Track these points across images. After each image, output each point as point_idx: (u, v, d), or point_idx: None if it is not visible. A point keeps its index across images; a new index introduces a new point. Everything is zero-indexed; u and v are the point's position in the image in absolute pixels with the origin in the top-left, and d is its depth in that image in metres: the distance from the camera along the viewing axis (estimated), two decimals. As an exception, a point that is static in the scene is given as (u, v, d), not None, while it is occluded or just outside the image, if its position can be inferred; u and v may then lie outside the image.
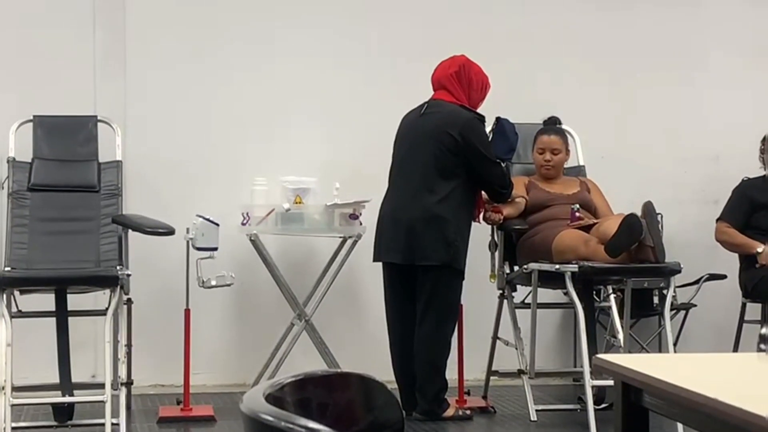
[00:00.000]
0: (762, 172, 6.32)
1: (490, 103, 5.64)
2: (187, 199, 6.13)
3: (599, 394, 5.49)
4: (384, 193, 5.61)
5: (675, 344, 5.83)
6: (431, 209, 5.39)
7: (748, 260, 6.16)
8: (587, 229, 5.54)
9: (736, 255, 6.25)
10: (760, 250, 6.04)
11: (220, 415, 5.51)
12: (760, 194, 6.21)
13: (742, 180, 6.33)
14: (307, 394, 2.06)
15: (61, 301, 5.21)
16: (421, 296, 5.46)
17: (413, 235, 5.40)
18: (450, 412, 5.50)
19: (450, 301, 5.49)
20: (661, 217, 6.12)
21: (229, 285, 5.56)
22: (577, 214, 5.63)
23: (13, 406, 4.91)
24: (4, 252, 5.47)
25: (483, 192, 5.64)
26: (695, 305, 6.50)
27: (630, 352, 5.55)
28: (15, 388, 4.97)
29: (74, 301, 5.36)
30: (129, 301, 5.44)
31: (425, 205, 5.40)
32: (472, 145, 5.41)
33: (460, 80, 5.51)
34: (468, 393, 5.85)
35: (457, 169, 5.43)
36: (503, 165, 5.63)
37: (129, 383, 5.45)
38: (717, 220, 6.26)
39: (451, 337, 5.53)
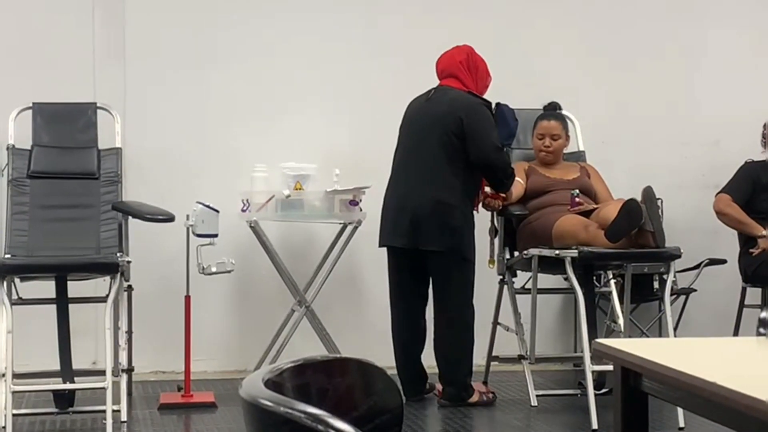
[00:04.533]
0: (763, 157, 6.31)
1: (491, 88, 5.63)
2: (187, 185, 6.13)
3: (599, 379, 5.50)
4: (387, 179, 5.60)
5: (675, 329, 5.84)
6: (437, 195, 5.38)
7: (747, 245, 6.15)
8: (587, 214, 5.54)
9: (737, 240, 6.25)
10: (765, 233, 6.02)
11: (221, 402, 5.52)
12: (766, 176, 6.19)
13: (746, 162, 6.32)
14: (306, 379, 2.06)
15: (61, 288, 5.20)
16: (435, 283, 5.48)
17: (419, 221, 5.39)
18: (475, 398, 5.51)
19: (463, 286, 5.47)
20: (661, 202, 6.13)
21: (229, 272, 5.56)
22: (577, 199, 5.62)
23: (14, 393, 4.90)
24: (4, 239, 5.46)
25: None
26: (695, 290, 6.51)
27: (630, 337, 5.55)
28: (16, 375, 4.96)
29: (75, 288, 5.36)
30: (129, 288, 5.44)
31: (431, 191, 5.39)
32: (476, 128, 5.39)
33: (469, 67, 5.52)
34: (469, 378, 5.86)
35: (463, 154, 5.41)
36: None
37: (130, 370, 5.45)
38: (719, 192, 6.22)
39: (473, 321, 5.52)
